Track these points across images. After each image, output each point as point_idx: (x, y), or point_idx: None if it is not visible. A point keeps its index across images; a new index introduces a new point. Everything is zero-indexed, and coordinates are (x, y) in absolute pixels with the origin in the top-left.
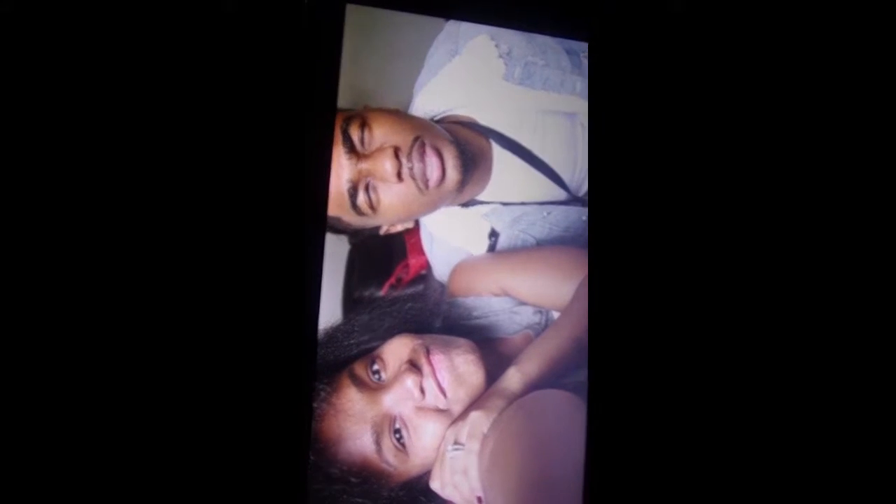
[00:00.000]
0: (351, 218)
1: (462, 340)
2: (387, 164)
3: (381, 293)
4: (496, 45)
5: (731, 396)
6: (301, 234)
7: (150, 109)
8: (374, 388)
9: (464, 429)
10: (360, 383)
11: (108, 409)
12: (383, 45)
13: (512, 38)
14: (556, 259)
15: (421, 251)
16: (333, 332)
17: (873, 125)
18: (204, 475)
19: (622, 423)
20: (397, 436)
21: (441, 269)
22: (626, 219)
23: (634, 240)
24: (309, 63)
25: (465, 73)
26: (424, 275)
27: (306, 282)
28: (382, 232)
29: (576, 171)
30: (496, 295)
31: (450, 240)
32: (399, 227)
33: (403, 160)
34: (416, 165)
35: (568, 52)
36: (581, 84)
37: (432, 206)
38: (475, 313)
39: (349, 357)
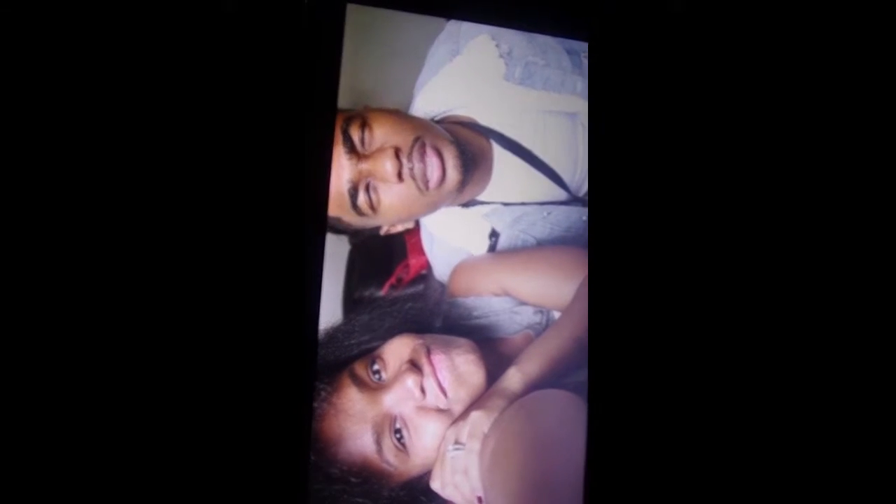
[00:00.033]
0: (351, 218)
1: (463, 340)
2: (387, 165)
3: (382, 293)
4: (497, 45)
5: (731, 396)
6: (301, 235)
7: (151, 109)
8: (374, 387)
9: (464, 429)
10: (360, 383)
11: (108, 409)
12: (383, 45)
13: (512, 38)
14: (557, 259)
15: (421, 251)
16: (334, 332)
17: (873, 125)
18: (204, 475)
19: (622, 423)
20: (398, 436)
21: (441, 269)
22: (626, 219)
23: (635, 240)
24: (309, 63)
25: (465, 73)
26: (425, 275)
27: (307, 282)
28: (383, 232)
29: (576, 171)
30: (497, 295)
31: (450, 240)
32: (399, 228)
33: (404, 160)
34: (417, 166)
35: (568, 51)
36: (581, 84)
37: (433, 207)
38: (476, 313)
39: (350, 357)
